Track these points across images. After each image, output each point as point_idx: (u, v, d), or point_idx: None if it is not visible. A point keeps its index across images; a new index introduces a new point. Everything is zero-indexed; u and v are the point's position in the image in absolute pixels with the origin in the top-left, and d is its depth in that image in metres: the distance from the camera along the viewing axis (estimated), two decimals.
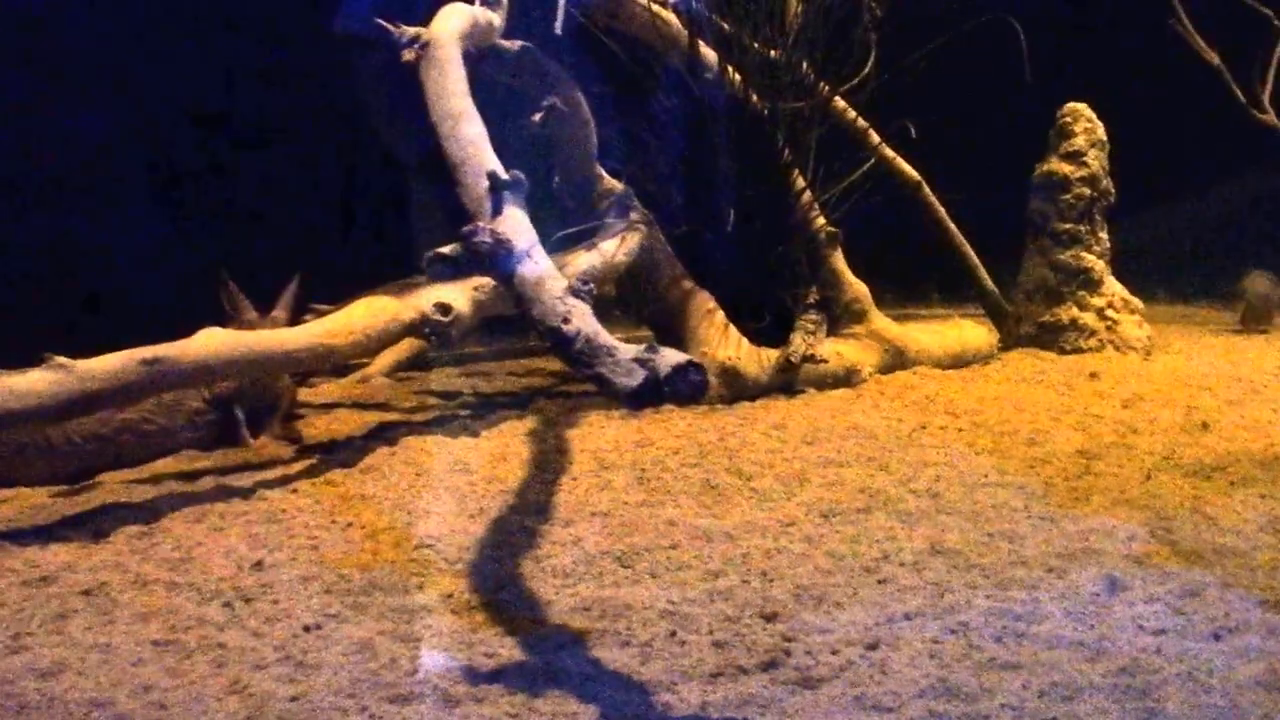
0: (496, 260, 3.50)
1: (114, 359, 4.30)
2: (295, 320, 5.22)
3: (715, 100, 6.43)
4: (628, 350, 3.13)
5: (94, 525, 4.14)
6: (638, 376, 3.04)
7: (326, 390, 5.96)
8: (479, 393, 6.00)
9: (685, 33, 6.35)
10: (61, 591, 3.64)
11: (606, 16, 6.22)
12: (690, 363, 3.05)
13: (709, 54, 6.43)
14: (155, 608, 3.53)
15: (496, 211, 3.67)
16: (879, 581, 3.65)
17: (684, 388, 3.04)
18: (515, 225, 3.61)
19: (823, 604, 3.51)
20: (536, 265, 3.47)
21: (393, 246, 5.69)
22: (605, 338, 3.18)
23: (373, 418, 5.39)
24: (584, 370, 3.20)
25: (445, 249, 3.54)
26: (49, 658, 3.24)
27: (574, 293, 3.35)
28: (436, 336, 5.05)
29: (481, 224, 3.58)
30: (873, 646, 3.25)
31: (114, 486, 4.57)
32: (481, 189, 3.76)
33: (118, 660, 3.23)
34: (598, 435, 5.04)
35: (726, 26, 6.43)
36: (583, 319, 3.25)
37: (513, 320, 5.08)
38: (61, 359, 4.21)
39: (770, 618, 3.42)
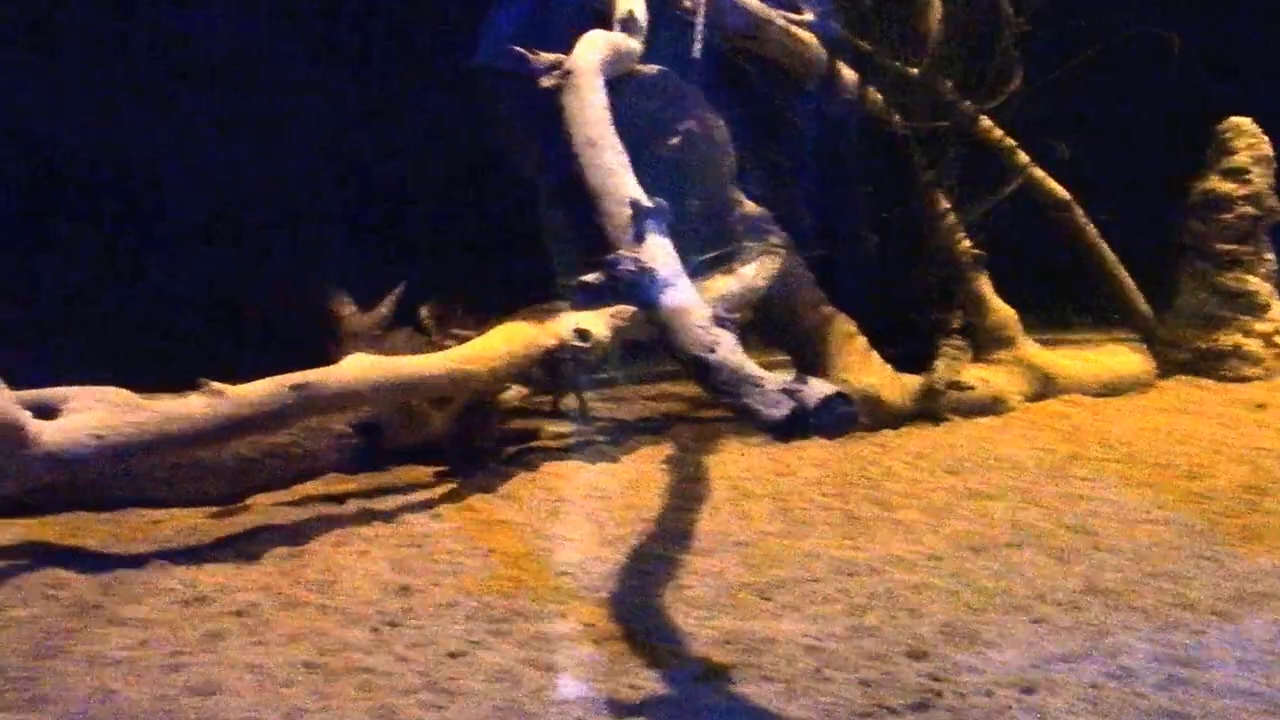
0: (640, 288, 3.47)
1: (264, 385, 4.40)
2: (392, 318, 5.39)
3: (854, 121, 6.34)
4: (774, 381, 3.06)
5: (244, 546, 4.24)
6: (784, 408, 2.97)
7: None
8: (615, 418, 6.00)
9: (823, 54, 6.28)
10: (215, 611, 3.73)
11: (744, 40, 6.20)
12: (839, 394, 2.98)
13: (848, 74, 6.35)
14: (304, 630, 3.59)
15: (639, 239, 3.66)
16: (1032, 621, 3.52)
17: (832, 420, 2.96)
18: (659, 253, 3.59)
19: (973, 643, 3.39)
20: (680, 294, 3.44)
21: (529, 272, 5.73)
22: (751, 368, 3.13)
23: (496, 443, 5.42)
24: (729, 401, 3.15)
25: (589, 277, 3.53)
26: (205, 676, 3.30)
27: (719, 322, 3.30)
28: (575, 362, 5.06)
29: (624, 252, 3.57)
30: (1029, 690, 3.12)
31: (263, 508, 4.68)
32: (624, 217, 3.75)
33: (270, 681, 3.28)
34: (735, 463, 4.99)
35: (865, 46, 6.35)
36: (728, 349, 3.20)
37: (647, 344, 5.10)
38: (215, 384, 4.33)
39: (918, 656, 3.32)
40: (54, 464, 4.09)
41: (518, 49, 5.12)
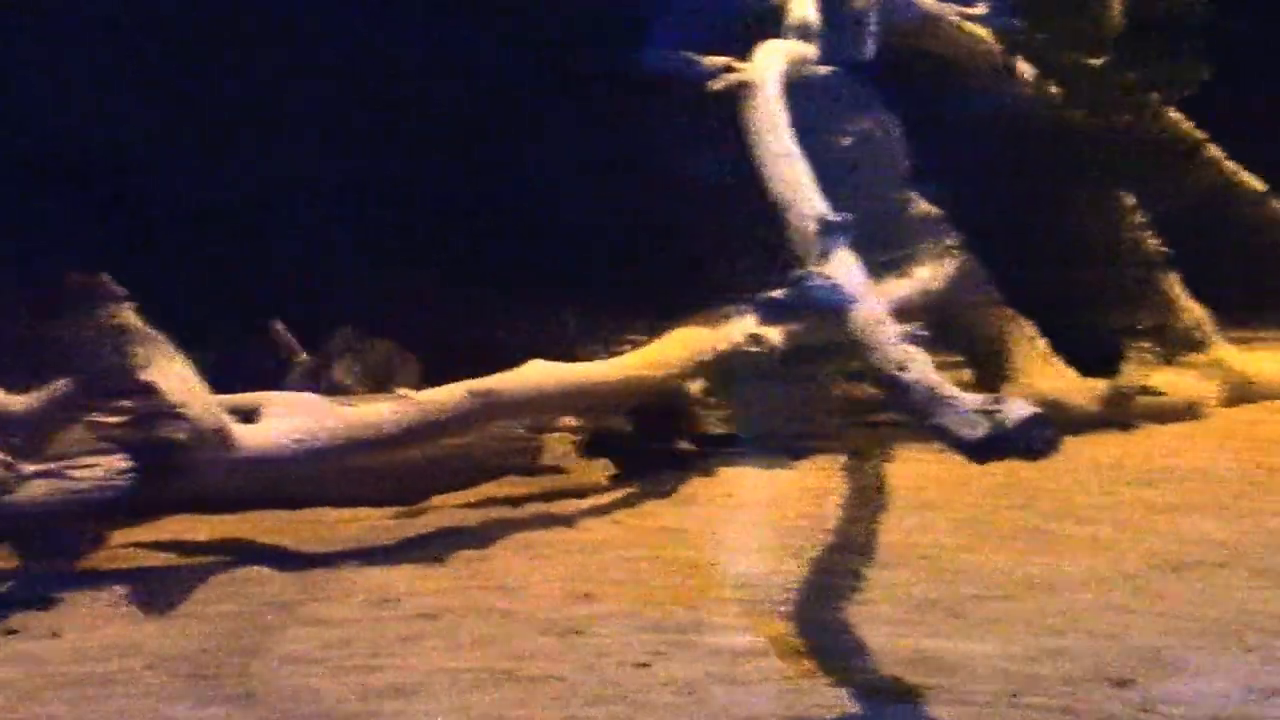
0: (828, 304, 3.45)
1: (448, 390, 4.52)
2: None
3: (1032, 116, 6.17)
4: (970, 400, 3.00)
5: (431, 549, 4.33)
6: (981, 429, 2.91)
7: None
8: (789, 420, 5.95)
9: (999, 49, 6.13)
10: (407, 613, 3.80)
11: (916, 37, 6.08)
12: (1038, 415, 2.90)
13: (1025, 69, 6.18)
14: (493, 635, 3.64)
15: (826, 254, 3.63)
16: (1243, 648, 3.35)
17: (1031, 442, 2.90)
18: (845, 268, 3.56)
19: (1180, 671, 3.25)
20: (869, 309, 3.40)
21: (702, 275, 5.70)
22: (946, 386, 3.08)
23: (685, 446, 5.44)
24: (922, 420, 3.10)
25: (776, 293, 3.52)
26: (402, 679, 3.36)
27: (910, 338, 3.25)
28: (750, 367, 5.05)
29: (812, 268, 3.54)
30: None
31: (446, 510, 4.78)
32: (810, 231, 3.72)
33: (464, 686, 3.33)
34: (914, 471, 4.91)
35: (1043, 38, 6.17)
36: (920, 366, 3.15)
37: (820, 347, 5.04)
38: (403, 390, 4.47)
39: (1122, 684, 3.19)
40: (255, 467, 4.27)
41: (689, 55, 5.13)
